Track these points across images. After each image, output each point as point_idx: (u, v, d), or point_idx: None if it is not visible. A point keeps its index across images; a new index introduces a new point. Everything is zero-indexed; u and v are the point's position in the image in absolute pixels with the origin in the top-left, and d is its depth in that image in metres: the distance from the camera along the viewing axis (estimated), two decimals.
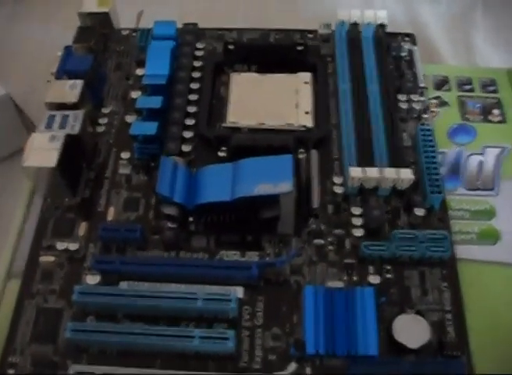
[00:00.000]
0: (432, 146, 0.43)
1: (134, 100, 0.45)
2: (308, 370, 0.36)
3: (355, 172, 0.40)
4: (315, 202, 0.39)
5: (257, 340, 0.37)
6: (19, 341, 0.37)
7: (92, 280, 0.38)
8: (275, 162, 0.38)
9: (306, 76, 0.48)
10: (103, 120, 0.46)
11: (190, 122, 0.45)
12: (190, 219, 0.40)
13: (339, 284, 0.38)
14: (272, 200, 0.38)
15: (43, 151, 0.40)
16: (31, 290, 0.39)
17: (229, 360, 0.36)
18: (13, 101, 0.52)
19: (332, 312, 0.37)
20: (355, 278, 0.39)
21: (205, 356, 0.36)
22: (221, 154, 0.43)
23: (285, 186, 0.37)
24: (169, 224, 0.40)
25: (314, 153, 0.42)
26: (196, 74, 0.48)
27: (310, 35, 0.52)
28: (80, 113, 0.42)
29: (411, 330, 0.36)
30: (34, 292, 0.39)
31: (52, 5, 0.66)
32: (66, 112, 0.42)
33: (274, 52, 0.49)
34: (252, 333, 0.37)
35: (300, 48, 0.49)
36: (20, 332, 0.38)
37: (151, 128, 0.42)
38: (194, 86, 0.47)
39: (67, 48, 0.48)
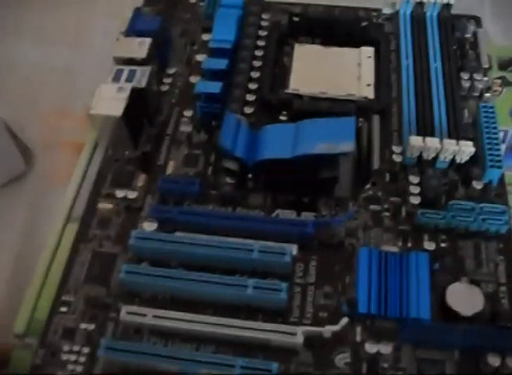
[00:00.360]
0: (494, 122, 0.42)
1: (199, 63, 0.46)
2: (359, 330, 0.35)
3: (415, 140, 0.40)
4: (375, 163, 0.39)
5: (309, 297, 0.37)
6: (73, 282, 0.38)
7: (149, 226, 0.39)
8: (337, 124, 0.38)
9: (369, 50, 0.48)
10: (167, 80, 0.47)
11: (253, 86, 0.45)
12: (249, 175, 0.41)
13: (394, 249, 0.38)
14: (332, 160, 0.38)
15: (110, 100, 0.41)
16: (88, 234, 0.40)
17: (279, 314, 0.36)
18: (8, 127, 0.51)
19: (386, 274, 0.37)
20: (410, 244, 0.39)
21: (257, 308, 0.36)
22: (282, 118, 0.44)
23: (346, 146, 0.37)
24: (228, 180, 0.40)
25: (376, 118, 0.42)
26: (261, 43, 0.48)
27: (374, 13, 0.52)
28: (147, 69, 0.43)
29: (465, 298, 0.36)
30: (91, 236, 0.40)
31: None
32: (134, 67, 0.43)
33: (338, 26, 0.49)
34: (304, 289, 0.37)
35: (364, 23, 0.49)
36: (75, 273, 0.38)
37: (215, 87, 0.42)
38: (258, 53, 0.47)
39: (137, 10, 0.49)
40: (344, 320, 0.35)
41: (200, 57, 0.48)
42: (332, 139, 0.38)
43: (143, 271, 0.36)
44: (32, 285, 0.39)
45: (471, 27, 0.50)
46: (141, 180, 0.42)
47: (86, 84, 0.52)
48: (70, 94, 0.59)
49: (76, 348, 0.35)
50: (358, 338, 0.35)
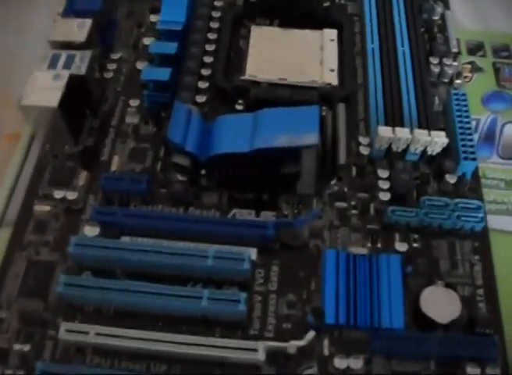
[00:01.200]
0: (466, 111, 0.39)
1: (146, 47, 0.43)
2: (326, 342, 0.32)
3: (384, 131, 0.37)
4: (342, 158, 0.36)
5: (271, 306, 0.33)
6: (5, 295, 0.34)
7: (91, 231, 0.35)
8: (299, 113, 0.35)
9: (332, 33, 0.44)
10: (111, 66, 0.43)
11: (205, 72, 0.42)
12: (202, 172, 0.37)
13: (363, 251, 0.35)
14: (294, 154, 0.35)
15: (45, 90, 0.36)
16: (22, 240, 0.36)
17: (238, 327, 0.33)
18: None
19: (355, 280, 0.34)
20: (379, 245, 0.35)
21: (212, 321, 0.32)
22: (238, 107, 0.40)
23: (310, 138, 0.34)
24: (179, 177, 0.36)
25: (341, 106, 0.38)
26: (214, 25, 0.44)
27: None
28: (87, 54, 0.39)
29: (441, 304, 0.33)
30: (26, 243, 0.36)
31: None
32: (72, 52, 0.39)
33: (298, 7, 0.45)
34: (265, 298, 0.34)
35: (326, 3, 0.46)
36: (8, 285, 0.34)
37: (163, 74, 0.38)
38: (212, 36, 0.44)
39: None
40: (310, 334, 0.31)
41: (147, 40, 0.44)
42: (294, 130, 0.34)
43: (84, 283, 0.32)
44: None
45: (439, 9, 0.47)
46: (82, 178, 0.38)
47: (28, 70, 0.47)
48: (10, 81, 0.55)
49: (8, 372, 0.31)
50: (326, 352, 0.32)
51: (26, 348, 0.32)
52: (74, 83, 0.37)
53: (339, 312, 0.32)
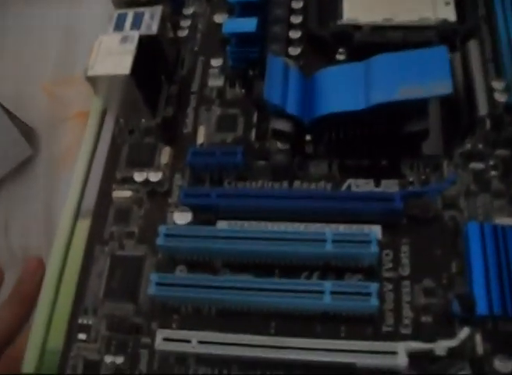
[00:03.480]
0: None
1: None
2: (479, 338, 0.26)
3: None
4: (482, 108, 0.29)
5: (405, 296, 0.27)
6: (90, 298, 0.30)
7: (181, 218, 0.30)
8: (423, 57, 0.28)
9: None
10: (185, 22, 0.37)
11: (296, 20, 0.35)
12: (307, 138, 0.31)
13: (511, 221, 0.28)
14: (420, 108, 0.28)
15: (113, 55, 0.31)
16: (103, 233, 0.31)
17: (368, 323, 0.27)
18: (4, 107, 0.45)
19: (507, 257, 0.27)
20: None
21: (336, 318, 0.27)
22: (339, 57, 0.33)
23: (441, 86, 0.27)
24: (279, 145, 0.30)
25: (472, 44, 0.31)
26: None
27: None
28: (157, 10, 0.33)
29: None
30: (107, 236, 0.31)
31: None
32: (140, 9, 0.33)
33: None
34: (397, 286, 0.28)
35: None
36: (91, 286, 0.30)
37: (249, 25, 0.32)
38: None
39: None
40: (464, 332, 0.25)
41: None
42: (420, 79, 0.27)
43: (179, 281, 0.27)
44: (39, 308, 0.30)
45: None
46: (165, 155, 0.32)
47: (89, 43, 0.42)
48: (72, 57, 0.51)
49: None
50: (480, 350, 0.26)
51: (120, 360, 0.27)
52: (146, 46, 0.32)
53: (493, 300, 0.26)
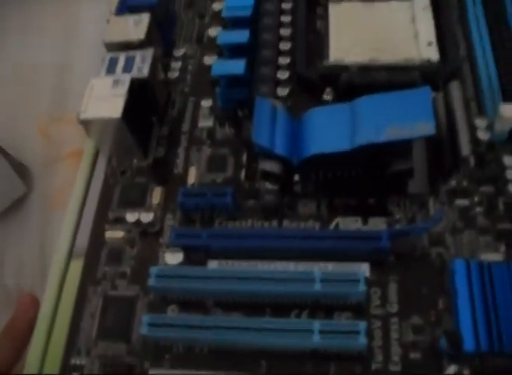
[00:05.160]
0: None
1: (213, 39, 0.37)
2: (466, 374, 0.26)
3: (508, 109, 0.31)
4: (464, 148, 0.29)
5: (393, 333, 0.28)
6: (83, 339, 0.30)
7: (173, 258, 0.30)
8: (406, 98, 0.29)
9: (423, 0, 0.38)
10: (176, 64, 0.38)
11: (284, 61, 0.36)
12: (296, 177, 0.31)
13: (497, 257, 0.29)
14: (405, 148, 0.29)
15: (105, 99, 0.32)
16: (96, 274, 0.31)
17: (357, 361, 0.27)
18: None
19: (493, 293, 0.27)
20: None
21: (326, 356, 0.27)
22: (326, 97, 0.34)
23: (425, 127, 0.28)
24: (268, 185, 0.31)
25: (454, 85, 0.32)
26: (286, 6, 0.39)
27: None
28: (148, 53, 0.34)
29: None
30: (100, 276, 0.31)
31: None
32: (131, 53, 0.34)
33: None
34: (385, 323, 0.28)
35: None
36: (85, 326, 0.30)
37: (237, 66, 0.33)
38: (285, 19, 0.38)
39: None
40: (452, 369, 0.25)
41: (213, 31, 0.39)
42: (403, 120, 0.28)
43: (170, 321, 0.27)
44: (33, 347, 0.30)
45: None
46: (157, 195, 0.33)
47: (83, 79, 0.43)
48: (67, 96, 0.51)
49: None
50: None
51: None
52: (137, 88, 0.32)
53: (480, 336, 0.26)
